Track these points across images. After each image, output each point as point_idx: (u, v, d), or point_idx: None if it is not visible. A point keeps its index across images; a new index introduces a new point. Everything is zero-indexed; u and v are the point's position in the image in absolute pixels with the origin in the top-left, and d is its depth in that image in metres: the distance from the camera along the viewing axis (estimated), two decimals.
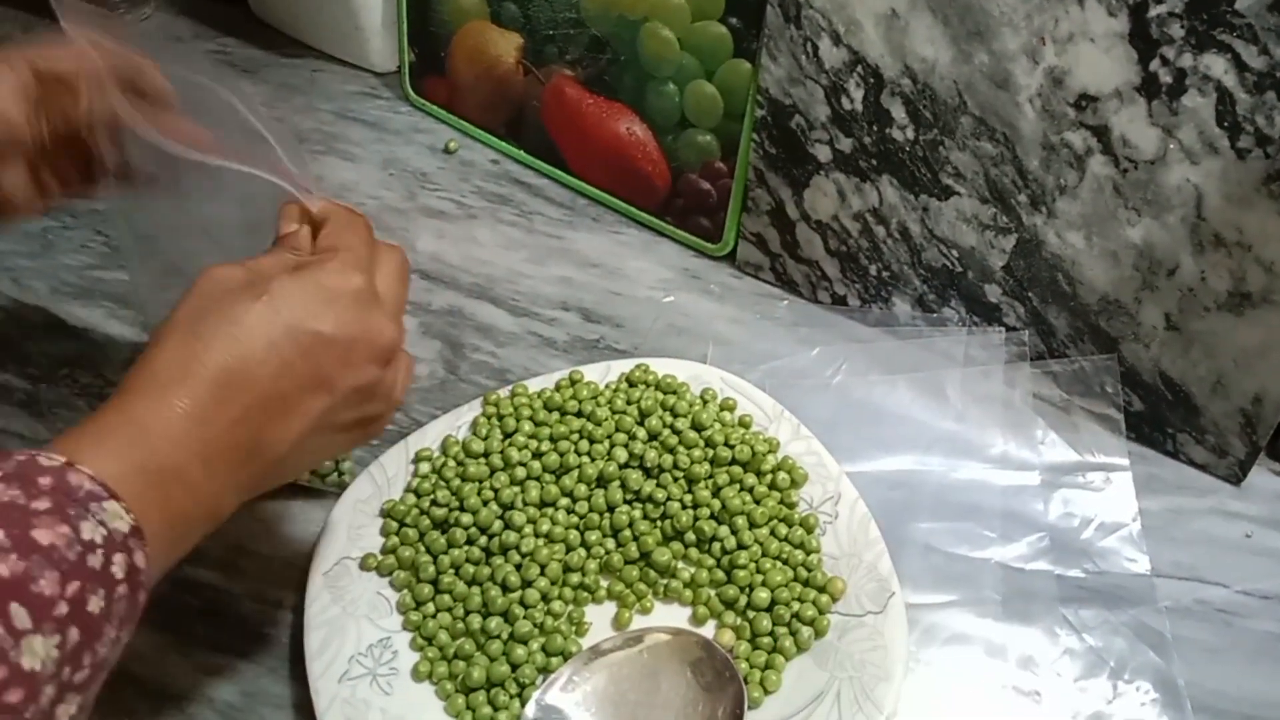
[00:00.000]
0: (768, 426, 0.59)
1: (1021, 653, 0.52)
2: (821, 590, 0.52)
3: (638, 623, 0.53)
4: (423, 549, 0.54)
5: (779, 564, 0.53)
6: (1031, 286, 0.61)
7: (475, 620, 0.52)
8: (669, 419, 0.58)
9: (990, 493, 0.57)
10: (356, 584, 0.53)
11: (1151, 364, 0.59)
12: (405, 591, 0.53)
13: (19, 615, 0.30)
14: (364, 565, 0.54)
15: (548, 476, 0.56)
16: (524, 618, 0.51)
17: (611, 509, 0.55)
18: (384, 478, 0.57)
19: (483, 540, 0.54)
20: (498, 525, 0.54)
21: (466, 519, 0.54)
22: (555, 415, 0.59)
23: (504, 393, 0.61)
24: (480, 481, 0.56)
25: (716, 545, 0.54)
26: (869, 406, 0.62)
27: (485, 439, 0.58)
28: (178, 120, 0.47)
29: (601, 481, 0.56)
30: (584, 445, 0.57)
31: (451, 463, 0.57)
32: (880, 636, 0.50)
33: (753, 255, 0.71)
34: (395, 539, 0.55)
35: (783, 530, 0.54)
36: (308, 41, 0.90)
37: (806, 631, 0.50)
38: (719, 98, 0.68)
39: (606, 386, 0.61)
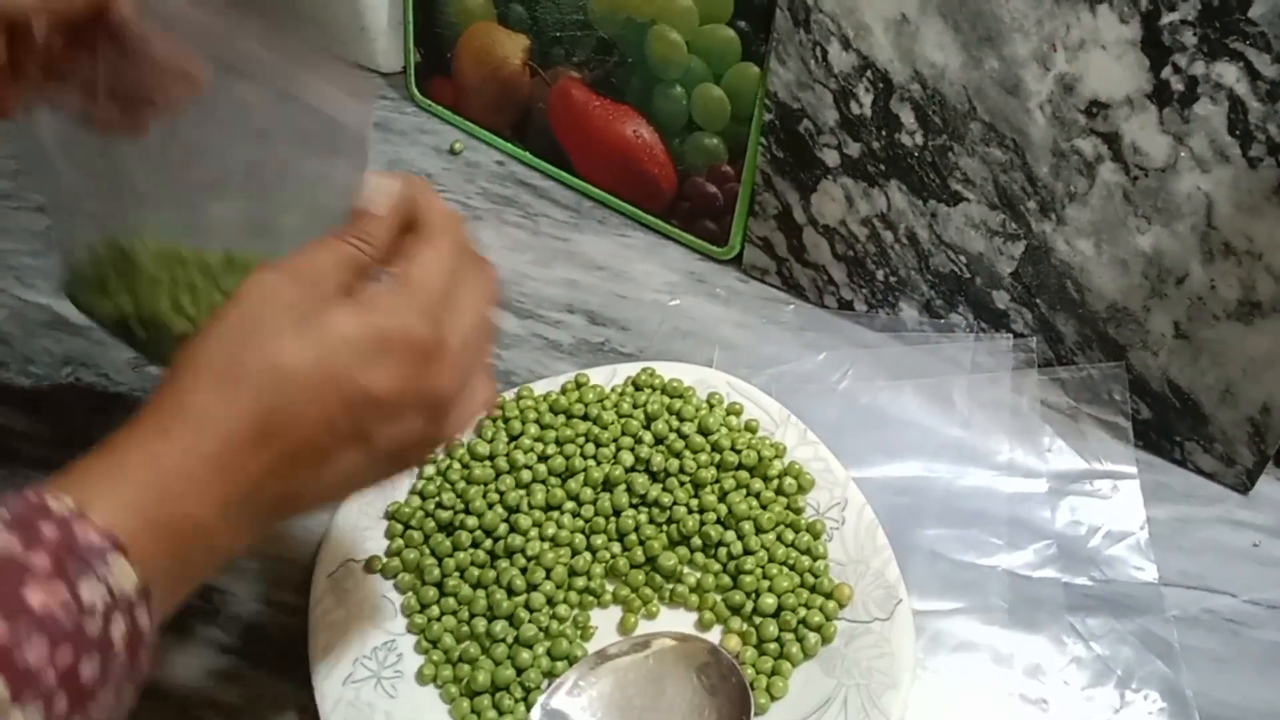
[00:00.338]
0: (774, 431, 0.58)
1: (1028, 661, 0.52)
2: (828, 596, 0.52)
3: (643, 628, 0.52)
4: (427, 552, 0.54)
5: (785, 570, 0.53)
6: (1040, 293, 0.61)
7: (480, 624, 0.51)
8: (675, 423, 0.58)
9: (997, 500, 0.57)
10: (361, 587, 0.53)
11: (1160, 372, 0.59)
12: (410, 594, 0.53)
13: None
14: (368, 568, 0.54)
15: (553, 480, 0.56)
16: (529, 621, 0.51)
17: (617, 513, 0.55)
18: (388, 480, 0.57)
19: (488, 543, 0.54)
20: (503, 528, 0.54)
21: (472, 522, 0.54)
22: (561, 418, 0.59)
23: (509, 395, 0.61)
24: (485, 484, 0.56)
25: (723, 550, 0.54)
26: (875, 412, 0.62)
27: (491, 441, 0.58)
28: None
29: (607, 485, 0.56)
30: (589, 449, 0.57)
31: (457, 465, 0.57)
32: (887, 643, 0.50)
33: (759, 259, 0.71)
34: (400, 541, 0.54)
35: (789, 536, 0.54)
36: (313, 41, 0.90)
37: (813, 638, 0.50)
38: (727, 101, 0.68)
39: (612, 390, 0.60)
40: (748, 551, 0.53)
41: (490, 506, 0.55)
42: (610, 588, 0.54)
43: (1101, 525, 0.57)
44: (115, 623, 0.31)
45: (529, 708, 0.48)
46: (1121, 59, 0.52)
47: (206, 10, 0.39)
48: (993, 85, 0.56)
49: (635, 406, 0.59)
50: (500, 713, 0.49)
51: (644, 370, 0.61)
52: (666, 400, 0.59)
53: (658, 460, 0.56)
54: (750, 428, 0.58)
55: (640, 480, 0.56)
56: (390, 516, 0.55)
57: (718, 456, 0.56)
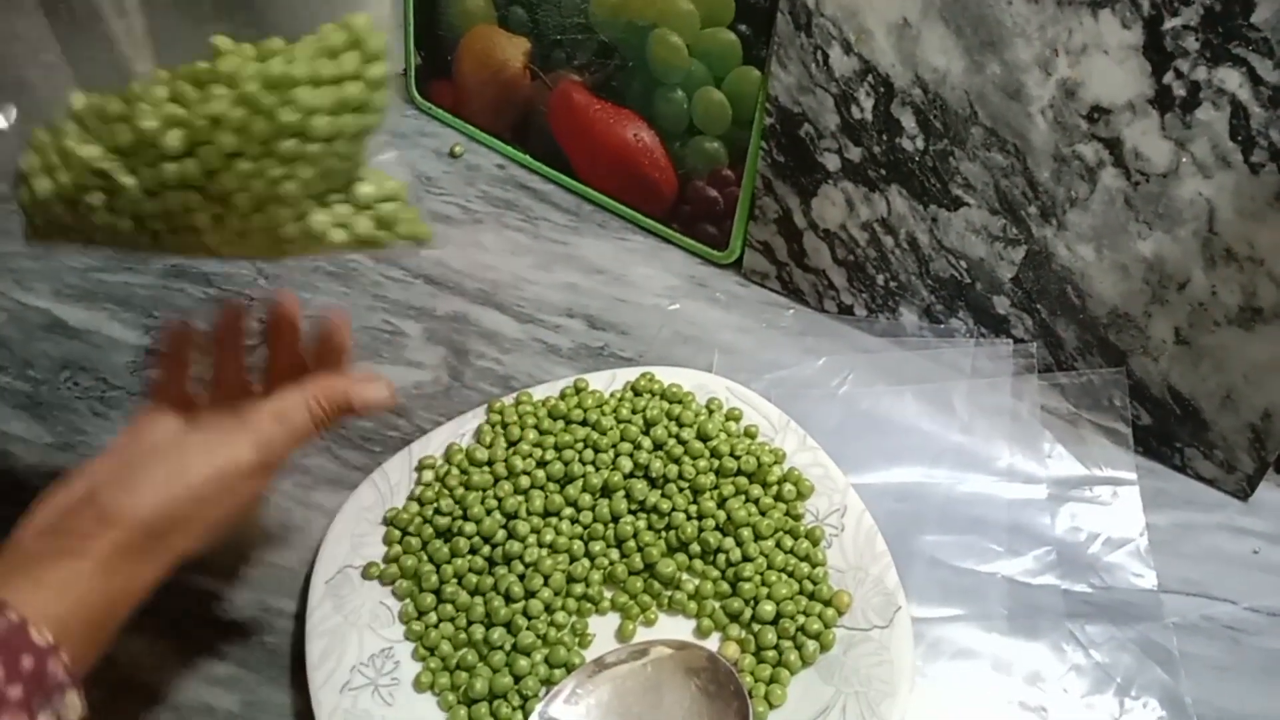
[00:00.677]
0: (774, 437, 0.58)
1: (1028, 668, 0.52)
2: (827, 604, 0.52)
3: (641, 635, 0.52)
4: (425, 558, 0.54)
5: (784, 577, 0.53)
6: (1040, 299, 0.61)
7: (478, 630, 0.51)
8: (674, 428, 0.58)
9: (997, 506, 0.57)
10: (359, 593, 0.53)
11: (1160, 378, 0.59)
12: (408, 601, 0.53)
13: None
14: (366, 574, 0.53)
15: (552, 486, 0.56)
16: (527, 628, 0.51)
17: (616, 519, 0.55)
18: (387, 485, 0.57)
19: (486, 550, 0.54)
20: (501, 534, 0.54)
21: (470, 528, 0.54)
22: (560, 424, 0.59)
23: (508, 400, 0.60)
24: (484, 490, 0.55)
25: (721, 557, 0.53)
26: (875, 417, 0.62)
27: (489, 447, 0.58)
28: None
29: (606, 491, 0.56)
30: (589, 454, 0.57)
31: (455, 471, 0.57)
32: (886, 651, 0.49)
33: (759, 263, 0.71)
34: (398, 548, 0.54)
35: (788, 542, 0.54)
36: None
37: (812, 645, 0.50)
38: (728, 105, 0.67)
39: (611, 395, 0.60)
40: (746, 558, 0.53)
41: (489, 513, 0.54)
42: (608, 594, 0.54)
43: (1101, 532, 0.57)
44: None
45: (527, 715, 0.48)
46: (1123, 64, 0.52)
47: None
48: (994, 90, 0.56)
49: (634, 412, 0.59)
50: None
51: (643, 375, 0.61)
52: (666, 405, 0.59)
53: (656, 466, 0.56)
54: (749, 433, 0.58)
55: (639, 486, 0.55)
56: (388, 523, 0.55)
57: (717, 462, 0.56)
